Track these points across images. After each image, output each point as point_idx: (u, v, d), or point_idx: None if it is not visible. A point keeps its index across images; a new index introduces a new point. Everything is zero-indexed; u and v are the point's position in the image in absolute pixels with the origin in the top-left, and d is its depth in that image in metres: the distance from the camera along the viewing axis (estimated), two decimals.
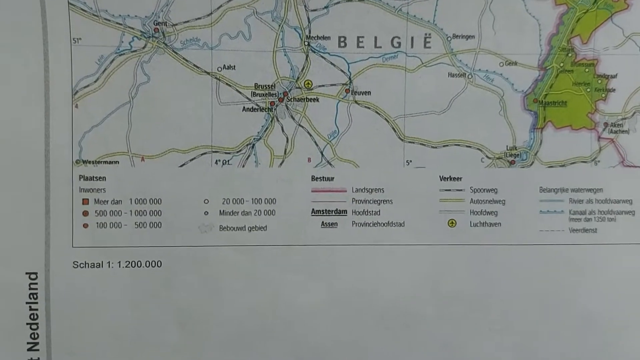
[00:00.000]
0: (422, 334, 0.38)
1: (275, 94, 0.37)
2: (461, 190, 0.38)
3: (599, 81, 0.37)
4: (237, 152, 0.37)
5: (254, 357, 0.38)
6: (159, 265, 0.37)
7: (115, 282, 0.37)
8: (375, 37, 0.36)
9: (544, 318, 0.38)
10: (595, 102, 0.38)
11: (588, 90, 0.38)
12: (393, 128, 0.37)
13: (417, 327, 0.38)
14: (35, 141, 0.35)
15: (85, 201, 0.36)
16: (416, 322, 0.38)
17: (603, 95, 0.38)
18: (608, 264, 0.38)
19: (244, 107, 0.36)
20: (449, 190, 0.38)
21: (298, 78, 0.37)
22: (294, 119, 0.37)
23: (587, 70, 0.37)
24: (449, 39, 0.37)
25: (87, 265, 0.36)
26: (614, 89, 0.38)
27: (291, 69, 0.36)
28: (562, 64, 0.37)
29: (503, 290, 0.38)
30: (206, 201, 0.37)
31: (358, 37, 0.36)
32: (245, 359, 0.38)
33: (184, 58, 0.36)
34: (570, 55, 0.37)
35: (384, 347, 0.38)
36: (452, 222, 0.38)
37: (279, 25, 0.36)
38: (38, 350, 0.36)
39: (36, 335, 0.36)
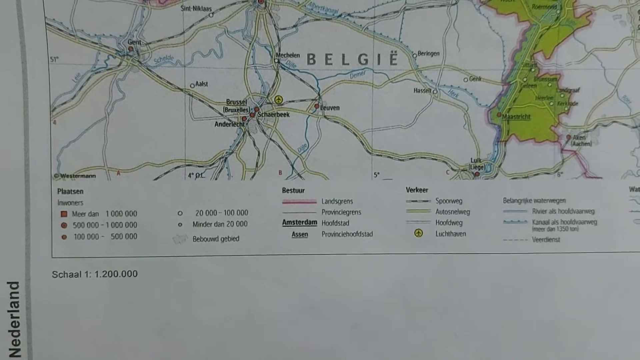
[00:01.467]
0: (391, 340, 0.39)
1: (246, 109, 0.38)
2: (427, 201, 0.39)
3: (562, 95, 0.38)
4: (210, 165, 0.38)
5: None
6: (135, 275, 0.38)
7: (93, 291, 0.38)
8: (343, 55, 0.37)
9: (508, 325, 0.39)
10: (558, 115, 0.39)
11: (551, 104, 0.38)
12: (361, 141, 0.38)
13: (386, 334, 0.39)
14: (15, 156, 0.37)
15: (63, 213, 0.37)
16: (385, 329, 0.39)
17: (566, 108, 0.39)
18: (571, 273, 0.39)
19: (216, 122, 0.37)
20: (416, 201, 0.39)
21: (269, 94, 0.38)
22: (265, 133, 0.38)
23: (550, 84, 0.38)
24: (415, 55, 0.38)
25: (66, 275, 0.37)
26: (577, 103, 0.39)
27: (262, 85, 0.38)
28: (525, 79, 0.38)
29: (468, 298, 0.39)
30: (180, 213, 0.38)
31: (326, 55, 0.37)
32: None
33: (157, 75, 0.37)
34: (533, 70, 0.38)
35: (354, 354, 0.39)
36: (418, 232, 0.39)
37: (250, 44, 0.37)
38: (20, 356, 0.38)
39: (18, 342, 0.38)
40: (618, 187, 0.39)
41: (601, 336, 0.40)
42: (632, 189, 0.39)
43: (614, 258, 0.39)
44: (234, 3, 0.37)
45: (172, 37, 0.37)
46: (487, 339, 0.39)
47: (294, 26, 0.37)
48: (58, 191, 0.37)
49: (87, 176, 0.37)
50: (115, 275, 0.38)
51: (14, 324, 0.37)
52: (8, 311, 0.37)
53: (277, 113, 0.38)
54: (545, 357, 0.40)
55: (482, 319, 0.39)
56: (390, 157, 0.38)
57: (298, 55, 0.37)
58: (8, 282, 0.37)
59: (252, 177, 0.38)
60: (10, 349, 0.38)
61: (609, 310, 0.39)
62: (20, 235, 0.37)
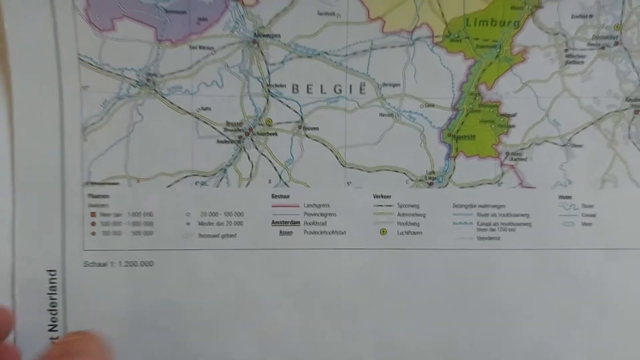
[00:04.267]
0: (358, 321, 0.43)
1: (242, 130, 0.42)
2: (391, 205, 0.42)
3: (502, 119, 0.43)
4: (213, 175, 0.42)
5: (227, 338, 0.43)
6: (151, 264, 0.42)
7: (116, 278, 0.42)
8: (321, 85, 0.42)
9: (457, 308, 0.43)
10: (499, 135, 0.43)
11: (492, 126, 0.43)
12: (336, 156, 0.42)
13: (354, 315, 0.43)
14: (54, 167, 0.40)
15: (93, 214, 0.41)
16: (353, 311, 0.43)
17: (505, 130, 0.43)
18: (509, 266, 0.43)
19: (217, 140, 0.42)
20: (381, 205, 0.43)
21: (261, 117, 0.42)
22: (257, 149, 0.42)
23: (491, 110, 0.42)
24: (380, 86, 0.42)
25: (95, 264, 0.41)
26: (514, 125, 0.43)
27: (255, 110, 0.42)
28: (471, 106, 0.42)
29: (424, 286, 0.43)
30: (188, 214, 0.42)
31: (308, 85, 0.42)
32: (220, 339, 0.42)
33: (170, 101, 0.41)
34: (477, 98, 0.42)
35: (327, 331, 0.43)
36: (383, 231, 0.43)
37: (245, 76, 0.41)
38: (57, 330, 0.41)
39: (55, 319, 0.41)
40: (549, 195, 0.43)
41: (535, 318, 0.43)
42: (560, 196, 0.43)
43: (545, 254, 0.43)
44: (233, 44, 0.41)
45: (182, 70, 0.41)
46: (439, 319, 0.43)
47: (281, 62, 0.41)
48: (88, 196, 0.41)
49: (112, 184, 0.41)
50: (135, 265, 0.42)
51: (52, 305, 0.41)
52: (47, 294, 0.41)
53: (268, 133, 0.42)
54: (489, 335, 0.43)
55: (434, 303, 0.43)
56: (360, 169, 0.42)
57: (285, 86, 0.41)
58: (47, 270, 0.41)
59: (247, 185, 0.42)
60: (49, 325, 0.41)
61: (540, 297, 0.43)
62: (58, 232, 0.41)
